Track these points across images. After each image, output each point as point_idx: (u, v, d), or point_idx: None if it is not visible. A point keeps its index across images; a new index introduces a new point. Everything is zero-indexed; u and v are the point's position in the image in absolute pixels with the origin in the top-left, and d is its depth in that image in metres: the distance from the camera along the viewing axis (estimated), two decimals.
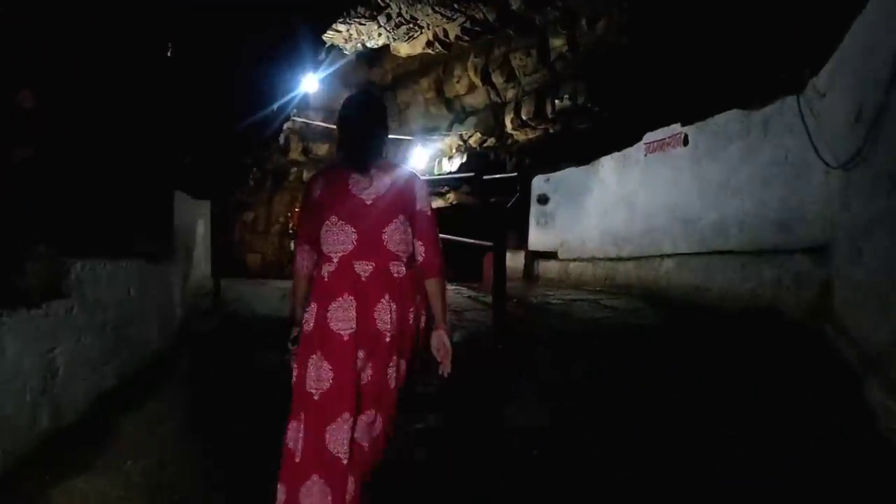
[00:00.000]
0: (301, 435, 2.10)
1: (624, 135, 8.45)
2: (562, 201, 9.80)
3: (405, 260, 2.23)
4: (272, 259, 12.66)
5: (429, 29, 8.29)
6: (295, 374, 2.17)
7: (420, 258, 2.28)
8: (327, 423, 2.08)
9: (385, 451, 2.22)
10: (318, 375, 2.10)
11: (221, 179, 7.69)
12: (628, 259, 7.73)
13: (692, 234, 6.66)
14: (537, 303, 6.45)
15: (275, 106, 7.99)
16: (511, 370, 3.85)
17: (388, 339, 2.15)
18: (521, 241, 12.13)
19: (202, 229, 6.56)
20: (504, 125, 10.61)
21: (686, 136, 7.05)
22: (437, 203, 12.16)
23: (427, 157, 11.64)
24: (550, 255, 9.87)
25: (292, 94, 8.28)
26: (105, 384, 3.26)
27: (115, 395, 3.26)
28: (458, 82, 10.82)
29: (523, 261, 10.54)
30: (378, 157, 2.27)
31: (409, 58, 11.57)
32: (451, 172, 11.26)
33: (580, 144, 10.22)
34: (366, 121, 2.27)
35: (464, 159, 10.95)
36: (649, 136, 7.75)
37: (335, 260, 2.16)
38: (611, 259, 8.12)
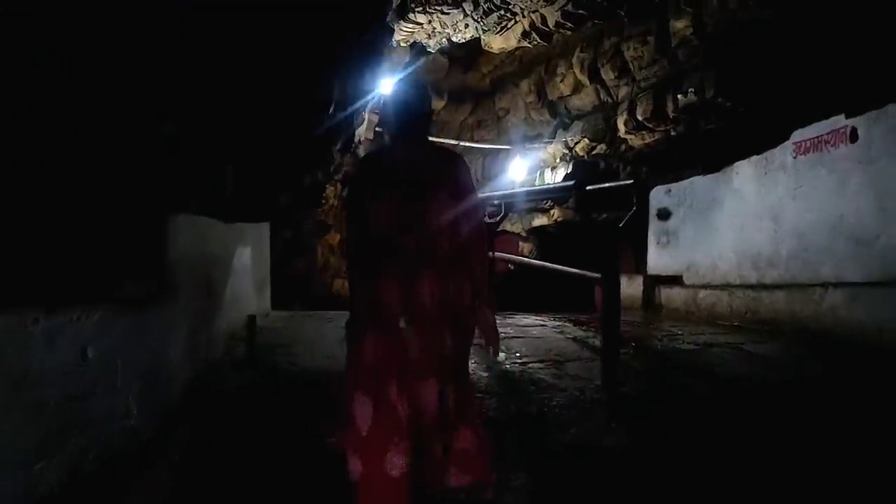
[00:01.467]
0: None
1: (764, 134, 7.00)
2: (687, 216, 8.27)
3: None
4: None
5: (524, 16, 7.11)
6: None
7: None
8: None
9: None
10: None
11: (286, 197, 6.77)
12: (774, 287, 6.19)
13: (867, 258, 5.24)
14: (662, 348, 5.04)
15: (350, 110, 7.09)
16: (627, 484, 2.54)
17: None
18: (639, 264, 10.62)
19: (247, 258, 5.70)
20: (616, 129, 9.19)
21: (854, 130, 5.58)
22: (539, 220, 10.87)
23: (527, 168, 10.39)
24: (674, 280, 8.34)
25: (369, 97, 7.36)
26: (41, 488, 2.32)
27: None
28: (561, 81, 9.54)
29: (642, 287, 9.04)
30: (427, 137, 2.39)
31: (508, 57, 10.44)
32: (551, 184, 9.95)
33: (708, 148, 8.62)
34: (415, 100, 2.33)
35: (569, 169, 9.62)
36: (800, 134, 6.26)
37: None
38: (751, 287, 6.57)
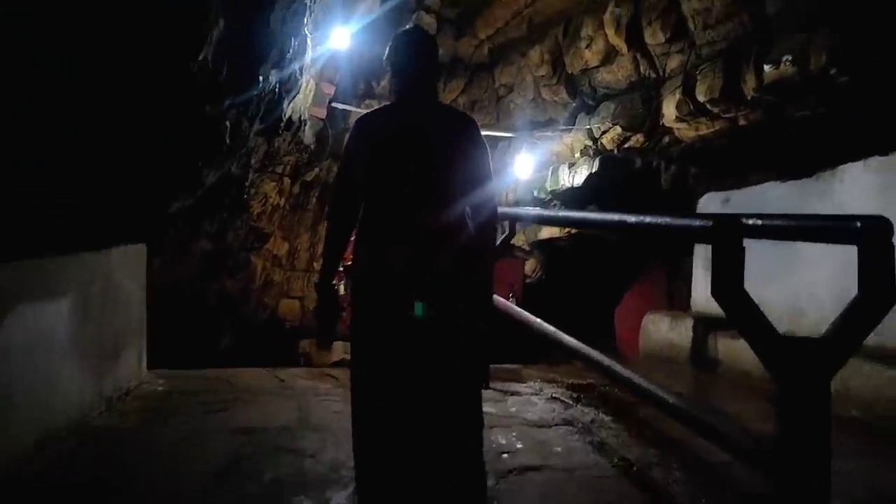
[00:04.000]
0: None
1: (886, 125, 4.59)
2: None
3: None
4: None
5: None
6: None
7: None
8: None
9: None
10: None
11: (182, 199, 4.31)
12: None
13: None
14: None
15: (274, 77, 4.52)
16: None
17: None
18: (675, 296, 8.10)
19: (66, 314, 3.19)
20: (660, 113, 6.67)
21: None
22: (548, 231, 8.33)
23: (534, 163, 7.83)
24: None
25: (305, 56, 4.79)
26: None
27: None
28: (587, 48, 6.97)
29: (690, 333, 6.57)
30: (435, 96, 2.30)
31: (513, 17, 7.85)
32: (571, 188, 7.38)
33: (791, 143, 6.13)
34: (421, 55, 2.19)
35: (594, 168, 7.07)
36: None
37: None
38: (876, 359, 4.20)
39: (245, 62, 3.84)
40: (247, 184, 5.62)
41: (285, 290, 8.99)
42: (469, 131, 2.18)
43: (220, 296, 7.57)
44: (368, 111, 2.43)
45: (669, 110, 6.41)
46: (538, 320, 4.73)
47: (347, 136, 2.23)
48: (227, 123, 3.80)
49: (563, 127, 7.53)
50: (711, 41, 5.96)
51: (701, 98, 6.02)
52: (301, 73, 5.05)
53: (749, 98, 5.74)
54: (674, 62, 6.37)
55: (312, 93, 6.25)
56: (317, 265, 9.18)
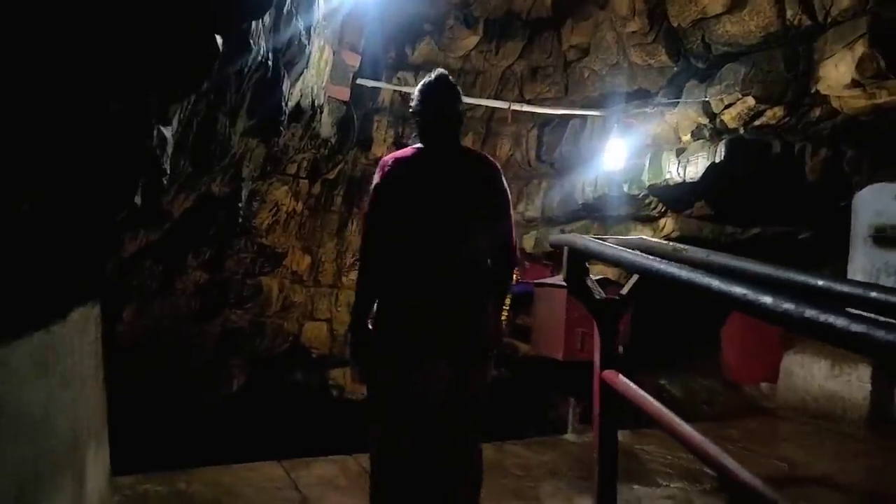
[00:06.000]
0: None
1: None
2: None
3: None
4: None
5: None
6: None
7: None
8: None
9: None
10: None
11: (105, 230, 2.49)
12: None
13: None
14: None
15: (252, 40, 2.74)
16: None
17: None
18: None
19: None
20: (813, 76, 4.75)
21: None
22: (639, 234, 6.45)
23: (628, 149, 5.93)
24: None
25: (313, 9, 3.00)
26: None
27: None
28: None
29: (867, 385, 4.77)
30: (457, 142, 2.40)
31: None
32: (683, 183, 5.47)
33: None
34: (444, 97, 2.33)
35: (719, 155, 5.16)
36: None
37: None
38: None
39: (203, 14, 2.06)
40: (240, 204, 3.93)
41: (309, 310, 7.32)
42: (489, 177, 2.33)
43: (226, 332, 5.93)
44: (393, 156, 2.40)
45: (838, 71, 4.47)
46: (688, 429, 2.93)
47: (375, 176, 2.31)
48: (163, 130, 2.05)
49: (664, 100, 5.62)
50: None
51: (883, 60, 4.09)
52: (310, 37, 3.26)
53: None
54: (843, 3, 4.41)
55: (329, 66, 4.47)
56: (346, 279, 7.49)
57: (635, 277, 3.09)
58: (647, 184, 5.79)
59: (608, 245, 2.83)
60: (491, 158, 2.44)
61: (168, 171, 2.03)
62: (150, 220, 3.08)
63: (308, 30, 3.27)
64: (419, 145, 2.36)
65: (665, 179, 5.63)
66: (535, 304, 6.15)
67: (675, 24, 5.53)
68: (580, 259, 3.20)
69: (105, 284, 3.40)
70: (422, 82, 2.41)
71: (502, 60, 7.18)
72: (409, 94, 7.09)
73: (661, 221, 6.29)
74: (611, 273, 5.85)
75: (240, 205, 3.93)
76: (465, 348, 2.22)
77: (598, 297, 3.14)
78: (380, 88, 6.62)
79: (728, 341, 6.98)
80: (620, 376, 3.04)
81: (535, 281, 6.39)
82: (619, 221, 6.56)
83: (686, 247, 3.03)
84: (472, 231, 2.24)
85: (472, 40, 6.89)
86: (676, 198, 5.79)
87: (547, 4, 6.90)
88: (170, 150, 1.99)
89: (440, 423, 2.20)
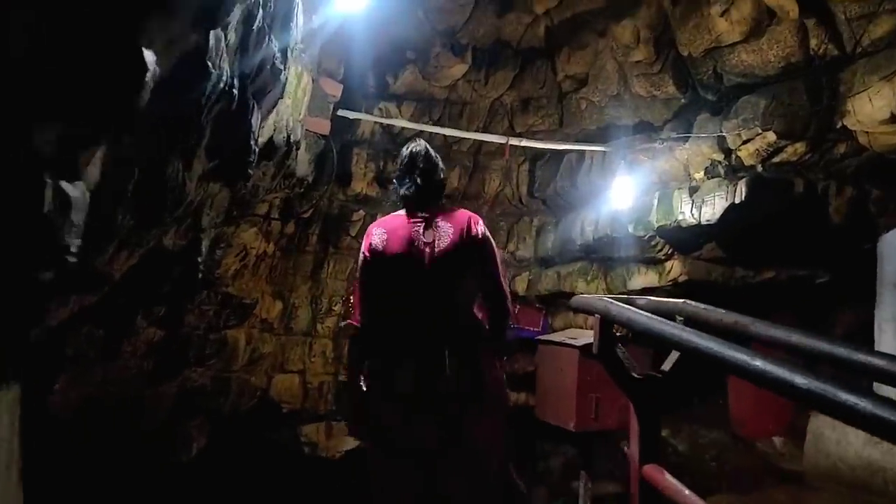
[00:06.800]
0: None
1: None
2: None
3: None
4: (323, 380, 6.90)
5: None
6: None
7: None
8: None
9: None
10: None
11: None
12: None
13: None
14: None
15: (213, 65, 2.16)
16: None
17: None
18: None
19: None
20: (840, 109, 4.32)
21: None
22: (643, 279, 5.94)
23: (636, 188, 5.42)
24: None
25: (290, 28, 2.43)
26: None
27: None
28: (721, 16, 4.60)
29: None
30: (438, 202, 2.51)
31: None
32: (698, 225, 4.97)
33: None
34: (422, 171, 2.45)
35: (739, 195, 4.68)
36: None
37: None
38: None
39: (118, 19, 1.47)
40: (199, 258, 3.30)
41: (280, 362, 6.63)
42: (471, 232, 2.37)
43: (184, 392, 5.22)
44: (377, 224, 2.54)
45: (873, 105, 4.04)
46: None
47: (362, 244, 2.46)
48: (65, 188, 1.45)
49: (677, 134, 5.15)
50: None
51: None
52: (286, 61, 2.69)
53: None
54: (882, 27, 4.00)
55: (308, 95, 3.90)
56: (321, 326, 6.83)
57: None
58: (656, 225, 5.29)
59: (656, 320, 2.26)
60: (472, 215, 2.48)
61: (74, 246, 1.42)
62: (81, 285, 2.45)
63: (284, 52, 2.70)
64: (402, 212, 2.51)
65: (676, 220, 5.14)
66: (540, 364, 5.57)
67: (684, 53, 5.09)
68: (611, 328, 2.65)
69: (23, 364, 2.74)
70: (405, 148, 2.55)
71: (492, 91, 6.68)
72: (391, 126, 6.57)
73: (668, 264, 5.78)
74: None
75: (199, 259, 3.31)
76: (455, 403, 2.24)
77: (634, 373, 2.58)
78: (359, 120, 6.05)
79: (735, 391, 6.46)
80: (666, 474, 2.45)
81: (539, 338, 5.81)
82: (622, 263, 6.04)
83: (724, 311, 2.50)
84: (456, 289, 2.34)
85: (460, 69, 6.38)
86: (686, 240, 5.29)
87: (539, 34, 6.44)
88: (79, 214, 1.39)
89: (429, 476, 2.25)
